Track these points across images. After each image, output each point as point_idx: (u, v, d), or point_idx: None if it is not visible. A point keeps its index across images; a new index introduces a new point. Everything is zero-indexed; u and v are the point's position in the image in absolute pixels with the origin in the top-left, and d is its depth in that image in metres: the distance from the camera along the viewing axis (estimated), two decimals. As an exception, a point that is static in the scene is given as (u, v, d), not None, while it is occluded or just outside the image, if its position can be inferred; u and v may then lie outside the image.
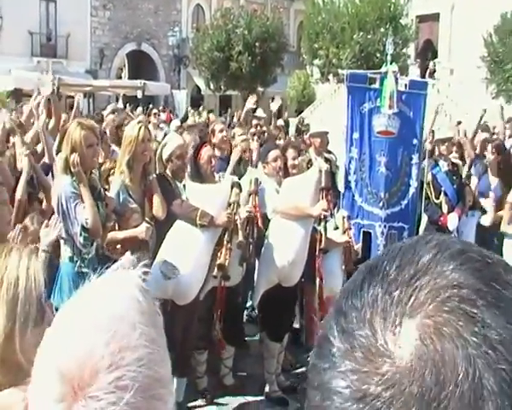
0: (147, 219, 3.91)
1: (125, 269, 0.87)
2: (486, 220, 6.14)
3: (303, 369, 5.28)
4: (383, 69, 5.94)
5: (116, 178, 3.95)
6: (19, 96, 19.81)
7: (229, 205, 4.18)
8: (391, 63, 5.89)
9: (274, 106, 7.36)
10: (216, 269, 4.08)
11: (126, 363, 0.71)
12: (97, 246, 3.67)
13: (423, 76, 22.94)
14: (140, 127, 3.95)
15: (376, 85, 5.78)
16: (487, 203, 6.15)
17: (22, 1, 24.71)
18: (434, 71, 25.32)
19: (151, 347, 0.74)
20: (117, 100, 23.34)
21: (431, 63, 25.99)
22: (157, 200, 4.00)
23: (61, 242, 3.62)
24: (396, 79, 5.78)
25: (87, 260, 3.58)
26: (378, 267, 0.53)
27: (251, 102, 5.44)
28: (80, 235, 3.47)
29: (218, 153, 5.23)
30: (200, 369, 4.64)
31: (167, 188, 4.16)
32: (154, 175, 4.14)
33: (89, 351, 0.71)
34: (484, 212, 6.24)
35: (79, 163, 3.48)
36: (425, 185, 6.05)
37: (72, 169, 3.49)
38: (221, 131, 5.50)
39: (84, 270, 3.54)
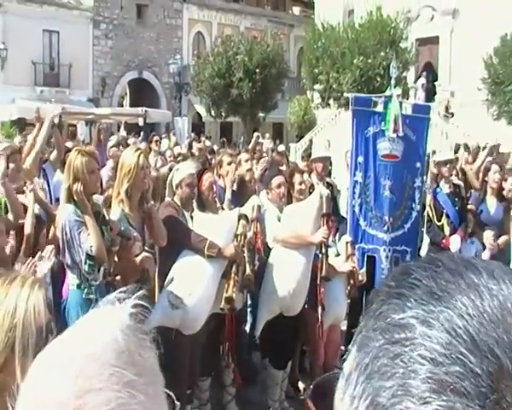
0: (147, 247, 3.88)
1: (115, 303, 0.82)
2: (485, 256, 6.06)
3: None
4: (387, 93, 5.94)
5: (115, 207, 3.90)
6: (22, 125, 19.97)
7: (237, 237, 4.15)
8: (394, 87, 5.89)
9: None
10: (223, 302, 4.03)
11: (90, 407, 0.65)
12: (104, 272, 3.65)
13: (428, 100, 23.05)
14: (139, 154, 3.91)
15: (380, 109, 5.77)
16: (488, 240, 5.97)
17: (26, 32, 25.06)
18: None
19: (124, 390, 0.67)
20: (119, 128, 23.55)
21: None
22: (157, 227, 3.96)
23: (68, 270, 3.61)
24: (400, 103, 5.78)
25: (94, 286, 3.56)
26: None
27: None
28: (85, 263, 3.46)
29: (222, 183, 5.19)
30: (204, 396, 4.57)
31: (173, 216, 4.11)
32: (152, 202, 4.10)
33: (53, 393, 0.65)
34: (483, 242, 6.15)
35: (82, 191, 3.47)
36: (426, 207, 6.00)
37: (76, 198, 3.48)
38: (229, 164, 5.42)
39: (92, 296, 3.53)
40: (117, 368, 0.68)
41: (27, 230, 3.93)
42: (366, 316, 0.56)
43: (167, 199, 4.32)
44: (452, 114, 16.10)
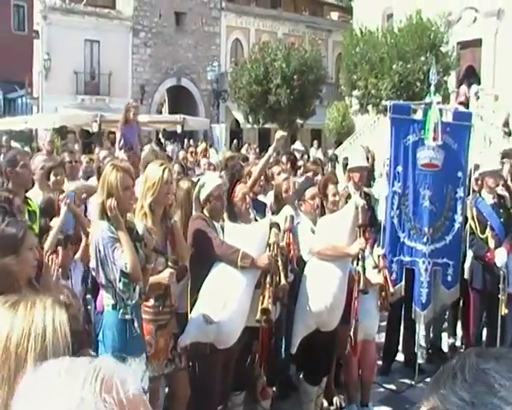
0: (170, 263, 3.79)
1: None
2: None
3: (343, 410, 5.08)
4: (427, 100, 5.76)
5: (139, 221, 3.80)
6: (63, 133, 20.43)
7: (269, 246, 4.04)
8: (434, 94, 5.69)
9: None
10: (259, 313, 3.92)
11: None
12: (140, 291, 3.54)
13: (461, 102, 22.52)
14: (164, 168, 3.81)
15: (420, 116, 5.59)
16: None
17: (68, 42, 25.71)
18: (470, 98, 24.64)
19: None
20: (157, 135, 23.81)
21: (461, 88, 25.29)
22: (179, 244, 3.88)
23: (102, 290, 3.50)
24: (440, 110, 5.58)
25: (130, 306, 3.44)
26: None
27: (279, 137, 5.20)
28: (120, 281, 3.33)
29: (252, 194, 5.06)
30: (237, 411, 4.49)
31: (205, 228, 4.03)
32: (176, 218, 4.02)
33: None
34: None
35: (116, 207, 3.36)
36: (469, 220, 5.76)
37: (110, 214, 3.36)
38: (278, 174, 5.26)
39: (128, 317, 3.42)
40: None
41: (47, 246, 3.82)
42: None
43: (195, 213, 4.23)
44: (510, 133, 15.35)
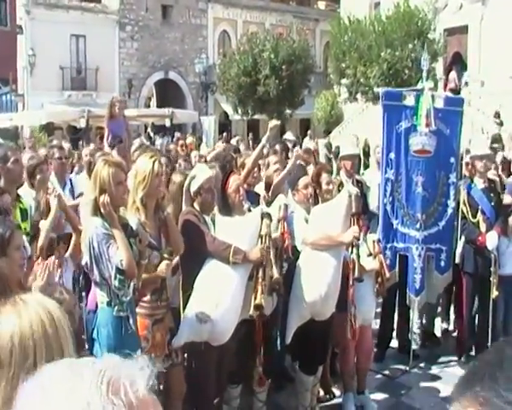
0: (165, 255, 3.75)
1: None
2: None
3: (339, 400, 5.09)
4: (419, 86, 5.76)
5: (131, 216, 3.76)
6: (50, 129, 20.24)
7: (261, 238, 4.00)
8: (426, 80, 5.69)
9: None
10: (252, 309, 3.90)
11: None
12: (134, 287, 3.51)
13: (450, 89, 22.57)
14: (154, 161, 3.76)
15: (411, 103, 5.59)
16: None
17: (53, 37, 25.41)
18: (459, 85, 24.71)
19: None
20: (146, 129, 23.66)
21: (451, 74, 25.34)
22: (173, 235, 3.85)
23: (96, 287, 3.46)
24: (432, 96, 5.58)
25: (125, 303, 3.41)
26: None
27: (272, 126, 5.17)
28: (115, 278, 3.29)
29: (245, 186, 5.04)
30: (234, 404, 4.49)
31: (197, 224, 4.00)
32: (169, 211, 3.98)
33: None
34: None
35: (109, 203, 3.31)
36: (461, 204, 5.79)
37: (103, 210, 3.31)
38: (275, 163, 5.23)
39: (123, 314, 3.40)
40: None
41: (40, 243, 3.77)
42: None
43: (186, 207, 4.19)
44: (502, 123, 15.33)
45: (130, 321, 3.43)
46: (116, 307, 3.38)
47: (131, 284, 3.45)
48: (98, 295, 3.45)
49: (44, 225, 3.94)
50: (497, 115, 16.92)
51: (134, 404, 0.69)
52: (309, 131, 23.85)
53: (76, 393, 0.67)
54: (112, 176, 3.35)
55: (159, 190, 3.82)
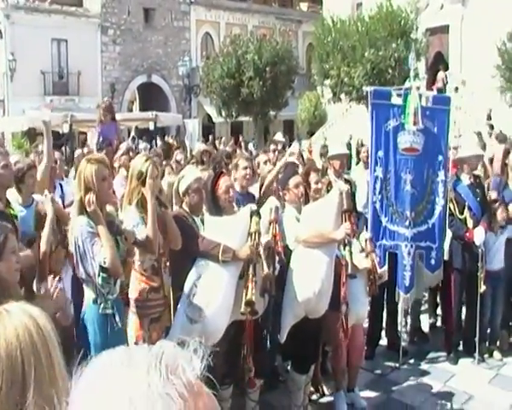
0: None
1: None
2: None
3: (330, 398, 5.09)
4: (406, 85, 5.80)
5: (133, 210, 3.79)
6: (33, 135, 20.03)
7: (250, 235, 4.00)
8: (414, 79, 5.73)
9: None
10: (244, 306, 3.89)
11: None
12: (122, 284, 3.52)
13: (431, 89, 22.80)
14: (148, 164, 3.82)
15: (399, 101, 5.63)
16: None
17: (34, 42, 25.14)
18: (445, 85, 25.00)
19: None
20: (129, 133, 23.53)
21: (439, 74, 25.68)
22: (171, 231, 3.85)
23: (83, 284, 3.49)
24: (420, 95, 5.62)
25: (111, 300, 3.43)
26: None
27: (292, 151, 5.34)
28: (98, 275, 3.32)
29: (238, 188, 5.06)
30: (226, 405, 4.45)
31: (185, 225, 4.00)
32: (170, 211, 4.01)
33: None
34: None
35: (95, 201, 3.34)
36: (448, 201, 5.84)
37: (88, 209, 3.34)
38: (245, 168, 5.22)
39: (109, 311, 3.42)
40: None
41: (43, 247, 3.77)
42: None
43: (175, 207, 4.21)
44: (492, 126, 15.51)
45: (117, 318, 3.44)
46: (102, 305, 3.41)
47: (118, 281, 3.48)
48: (85, 292, 3.49)
49: (44, 230, 3.93)
50: (489, 118, 17.10)
51: (193, 383, 0.72)
52: (278, 132, 23.81)
53: (136, 375, 0.68)
54: (95, 173, 3.39)
55: (157, 188, 3.86)
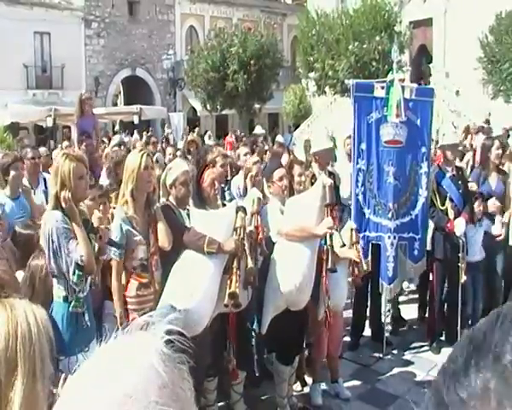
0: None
1: (144, 330, 0.75)
2: (496, 229, 6.04)
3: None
4: (389, 77, 5.83)
5: (118, 209, 3.80)
6: (16, 129, 19.82)
7: (236, 230, 4.04)
8: (397, 71, 5.77)
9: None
10: (227, 298, 3.92)
11: None
12: (91, 282, 3.51)
13: (418, 82, 22.91)
14: (142, 155, 3.83)
15: (381, 94, 5.67)
16: (492, 207, 6.09)
17: (17, 36, 24.78)
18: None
19: None
20: (113, 127, 23.39)
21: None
22: (162, 230, 3.86)
23: (54, 280, 3.43)
24: (402, 87, 5.67)
25: (82, 298, 3.41)
26: (486, 345, 0.42)
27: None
28: (74, 273, 3.29)
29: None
30: (211, 397, 4.49)
31: (172, 216, 4.02)
32: (158, 204, 4.02)
33: None
34: (491, 218, 6.13)
35: (71, 198, 3.32)
36: (430, 192, 5.91)
37: (64, 205, 3.32)
38: (223, 165, 5.31)
39: (80, 310, 3.40)
40: (163, 407, 0.63)
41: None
42: None
43: (162, 200, 4.23)
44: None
45: (86, 317, 3.43)
46: (73, 303, 3.39)
47: (89, 279, 3.46)
48: (55, 289, 3.42)
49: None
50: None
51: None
52: (257, 125, 23.79)
53: (138, 358, 0.69)
54: (73, 170, 3.37)
55: (148, 184, 3.85)
